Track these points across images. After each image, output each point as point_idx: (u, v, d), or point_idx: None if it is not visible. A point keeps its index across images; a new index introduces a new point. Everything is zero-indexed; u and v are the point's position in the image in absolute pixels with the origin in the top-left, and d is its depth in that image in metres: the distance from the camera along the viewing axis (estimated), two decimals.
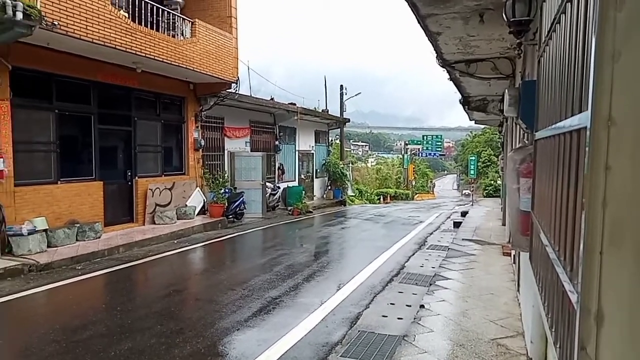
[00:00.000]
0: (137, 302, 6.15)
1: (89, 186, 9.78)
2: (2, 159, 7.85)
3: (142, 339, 4.64)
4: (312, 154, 21.51)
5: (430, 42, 6.49)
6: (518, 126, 5.22)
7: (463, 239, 9.87)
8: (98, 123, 10.03)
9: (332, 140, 25.47)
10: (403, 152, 47.28)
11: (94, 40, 8.21)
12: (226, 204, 13.04)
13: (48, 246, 8.31)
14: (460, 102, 11.76)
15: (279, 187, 16.93)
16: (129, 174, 10.98)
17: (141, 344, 4.51)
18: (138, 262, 8.22)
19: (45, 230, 8.38)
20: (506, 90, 3.82)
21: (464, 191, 51.32)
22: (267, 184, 15.50)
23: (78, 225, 9.12)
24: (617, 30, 1.14)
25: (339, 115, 24.31)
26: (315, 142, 21.87)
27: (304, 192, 18.08)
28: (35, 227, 8.17)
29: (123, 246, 9.00)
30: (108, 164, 10.44)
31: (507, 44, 6.38)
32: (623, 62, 1.14)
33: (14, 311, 5.79)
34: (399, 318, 5.20)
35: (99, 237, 9.37)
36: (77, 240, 8.96)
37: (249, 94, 15.62)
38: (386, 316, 5.29)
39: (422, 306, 5.29)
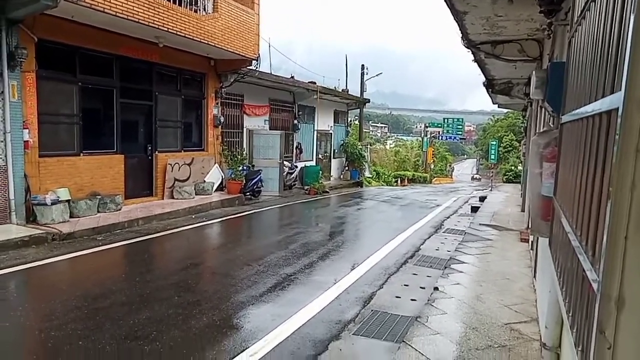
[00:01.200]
0: (155, 274, 6.30)
1: (110, 159, 9.95)
2: (27, 130, 8.02)
3: (160, 309, 4.76)
4: (331, 134, 21.42)
5: (456, 21, 6.32)
6: (543, 110, 5.10)
7: (480, 224, 9.79)
8: (120, 97, 10.14)
9: (351, 120, 25.31)
10: (422, 134, 46.74)
11: (117, 14, 8.23)
12: (244, 181, 13.14)
13: (70, 216, 8.53)
14: (484, 85, 11.50)
15: (296, 166, 16.97)
16: (149, 148, 11.12)
17: (159, 314, 4.63)
18: (157, 235, 8.39)
19: (67, 201, 8.59)
20: (533, 72, 3.71)
21: (474, 175, 50.67)
22: (285, 162, 15.54)
23: (99, 197, 9.32)
24: None
25: (359, 96, 24.06)
26: (334, 122, 21.75)
27: (321, 172, 18.09)
28: (58, 197, 8.38)
29: (142, 219, 9.18)
30: (129, 138, 10.58)
31: (535, 25, 6.18)
32: None
33: (38, 278, 6.00)
34: (412, 299, 5.22)
35: (120, 210, 9.57)
36: (98, 211, 9.17)
37: (269, 72, 15.55)
38: (399, 297, 5.31)
39: (436, 288, 5.30)
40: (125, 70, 10.23)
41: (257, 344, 4.02)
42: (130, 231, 8.50)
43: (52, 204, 8.16)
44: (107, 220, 8.67)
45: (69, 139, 9.23)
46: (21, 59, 7.70)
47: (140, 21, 8.74)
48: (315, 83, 18.31)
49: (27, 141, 8.05)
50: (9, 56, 7.58)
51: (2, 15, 7.41)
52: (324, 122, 20.61)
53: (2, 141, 7.67)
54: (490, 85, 11.34)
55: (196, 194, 11.89)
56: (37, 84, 8.23)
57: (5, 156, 7.72)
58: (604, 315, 1.22)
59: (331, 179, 20.80)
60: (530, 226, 4.07)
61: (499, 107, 18.40)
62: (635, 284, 1.20)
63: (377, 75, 29.20)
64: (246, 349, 3.93)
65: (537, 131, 5.90)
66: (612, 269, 1.23)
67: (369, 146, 27.93)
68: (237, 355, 3.82)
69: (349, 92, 22.82)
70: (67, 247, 7.19)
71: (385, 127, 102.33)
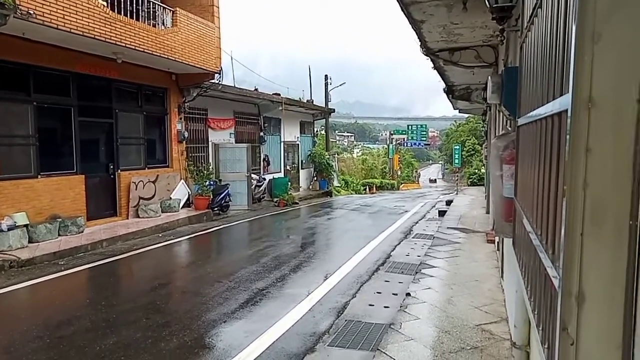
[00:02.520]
0: (122, 297, 6.09)
1: (70, 180, 9.61)
2: None
3: (127, 333, 4.59)
4: (298, 144, 21.44)
5: (414, 30, 6.47)
6: (501, 113, 5.26)
7: (448, 227, 9.97)
8: (78, 115, 9.83)
9: (317, 131, 25.42)
10: (388, 142, 47.49)
11: (72, 30, 8.01)
12: (211, 197, 12.94)
13: (29, 242, 8.16)
14: (445, 91, 11.80)
15: (264, 179, 16.86)
16: (111, 167, 10.81)
17: (127, 338, 4.47)
18: (122, 256, 8.13)
19: (26, 226, 8.22)
20: (489, 77, 3.83)
21: (430, 178, 52.25)
22: (253, 175, 15.41)
23: (60, 219, 8.97)
24: (597, 11, 1.14)
25: (323, 106, 24.24)
26: (301, 132, 21.80)
27: (289, 183, 18.04)
28: (15, 222, 8.01)
29: (106, 240, 8.88)
30: (89, 157, 10.26)
31: (490, 32, 6.40)
32: (603, 43, 1.14)
33: None
34: (385, 306, 5.24)
35: (82, 232, 9.23)
36: (59, 235, 8.82)
37: (233, 85, 15.46)
38: (373, 305, 5.32)
39: (408, 294, 5.33)
40: (83, 88, 9.94)
41: None
42: (94, 254, 8.20)
43: (9, 229, 7.79)
44: (69, 243, 8.34)
45: (25, 160, 8.86)
46: None
47: (96, 37, 8.54)
48: (279, 95, 18.32)
49: None
50: None
51: None
52: (290, 133, 20.61)
53: None
54: (450, 91, 11.64)
55: (162, 212, 11.62)
56: None
57: None
58: (565, 311, 1.25)
59: (300, 189, 20.77)
60: (494, 227, 4.17)
61: (460, 112, 18.88)
62: (593, 279, 1.23)
63: (340, 85, 29.53)
64: None
65: (496, 134, 6.08)
66: (571, 265, 1.26)
67: (336, 155, 28.11)
68: None
69: (313, 103, 22.96)
70: (27, 274, 6.86)
71: (351, 136, 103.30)
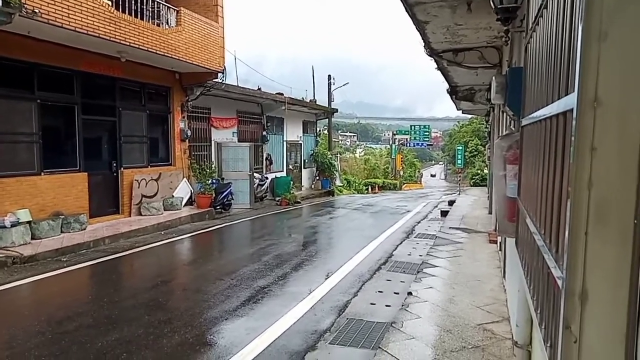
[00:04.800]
0: (124, 294, 6.10)
1: (73, 177, 9.63)
2: None
3: (129, 330, 4.61)
4: (300, 144, 21.45)
5: (418, 31, 6.47)
6: (505, 114, 5.26)
7: (450, 227, 9.97)
8: (82, 113, 9.86)
9: (320, 130, 25.43)
10: (391, 142, 47.45)
11: (77, 29, 8.03)
12: (214, 195, 12.96)
13: (32, 238, 8.19)
14: (448, 92, 11.79)
15: (266, 178, 16.87)
16: (114, 164, 10.83)
17: (129, 335, 4.49)
18: (124, 253, 8.15)
19: (29, 222, 8.26)
20: (493, 78, 3.83)
21: (432, 173, 52.95)
22: (255, 174, 15.43)
23: (63, 216, 9.00)
24: (604, 10, 1.14)
25: (326, 106, 24.24)
26: (303, 132, 21.80)
27: (292, 182, 18.05)
28: (18, 219, 8.04)
29: (109, 238, 8.90)
30: (93, 155, 10.28)
31: (494, 33, 6.40)
32: (609, 42, 1.15)
33: None
34: (387, 305, 5.24)
35: (84, 229, 9.26)
36: (62, 232, 8.84)
37: (236, 84, 15.48)
38: (374, 304, 5.32)
39: (409, 293, 5.34)
40: (86, 86, 9.97)
41: None
42: (96, 251, 8.22)
43: (12, 226, 7.82)
44: (71, 240, 8.37)
45: (29, 158, 8.89)
46: None
47: (101, 36, 8.56)
48: (282, 94, 18.33)
49: None
50: None
51: None
52: (293, 132, 20.62)
53: None
54: (453, 92, 11.63)
55: (165, 210, 11.65)
56: None
57: None
58: (569, 310, 1.25)
59: (302, 189, 20.78)
60: (497, 228, 4.17)
61: (463, 113, 18.86)
62: (597, 278, 1.24)
63: (343, 85, 29.51)
64: None
65: (500, 135, 6.08)
66: (575, 264, 1.26)
67: (338, 155, 28.12)
68: None
69: (316, 103, 22.96)
70: (29, 271, 6.89)
71: (354, 136, 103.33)
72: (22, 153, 8.85)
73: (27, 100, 8.81)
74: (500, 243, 6.85)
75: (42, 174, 9.01)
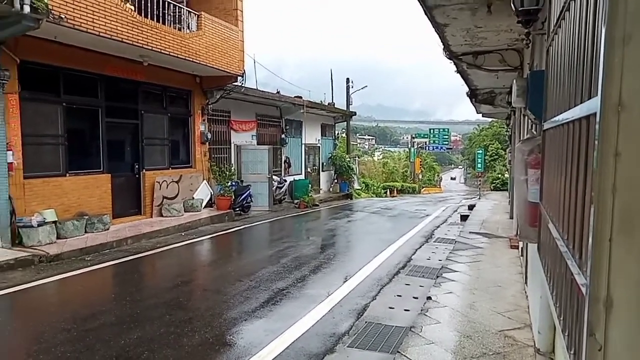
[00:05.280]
0: (145, 293, 6.21)
1: (97, 179, 9.85)
2: (11, 152, 7.92)
3: (151, 328, 4.69)
4: (319, 147, 21.49)
5: (437, 34, 6.44)
6: (526, 117, 5.19)
7: (470, 232, 9.85)
8: (105, 116, 10.09)
9: (338, 133, 25.42)
10: (410, 145, 47.13)
11: (101, 34, 8.23)
12: (233, 197, 13.09)
13: (57, 237, 8.40)
14: (468, 95, 11.69)
15: (285, 181, 16.96)
16: (137, 166, 11.04)
17: (150, 333, 4.56)
18: (146, 253, 8.29)
19: (54, 222, 8.47)
20: (514, 81, 3.79)
21: (450, 175, 52.47)
22: (274, 177, 15.52)
23: (87, 217, 9.21)
24: (627, 13, 1.14)
25: (345, 109, 24.24)
26: (322, 135, 21.85)
27: (310, 185, 18.10)
28: (44, 218, 8.26)
29: (131, 238, 9.07)
30: (116, 157, 10.51)
31: (515, 35, 6.33)
32: (633, 45, 1.14)
33: (25, 301, 5.88)
34: (405, 310, 5.21)
35: (108, 229, 9.45)
36: (85, 232, 9.05)
37: (256, 87, 15.62)
38: (393, 308, 5.30)
39: (429, 298, 5.30)
40: (110, 90, 10.19)
41: None
42: (119, 251, 8.38)
43: (39, 225, 8.03)
44: (95, 240, 8.55)
45: (55, 159, 9.13)
46: (3, 81, 7.64)
47: (124, 40, 8.75)
48: (301, 97, 18.42)
49: (11, 163, 7.94)
50: None
51: None
52: (311, 135, 20.69)
53: None
54: (473, 95, 11.52)
55: (185, 211, 11.81)
56: (20, 105, 8.15)
57: None
58: (593, 317, 1.24)
59: (320, 192, 20.81)
60: (518, 233, 4.11)
61: (483, 116, 18.67)
62: (622, 284, 1.22)
63: (362, 88, 29.44)
64: None
65: (521, 139, 6.00)
66: (599, 271, 1.25)
67: (357, 158, 28.05)
68: None
69: (335, 106, 22.99)
70: (55, 269, 7.07)
71: (372, 139, 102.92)
72: (48, 155, 9.09)
73: (53, 103, 9.06)
74: (522, 248, 6.75)
75: (67, 175, 9.25)
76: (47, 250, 7.67)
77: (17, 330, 4.89)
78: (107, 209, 9.97)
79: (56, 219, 8.57)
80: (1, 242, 7.70)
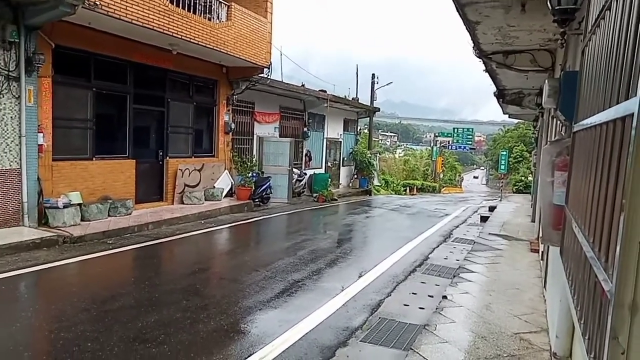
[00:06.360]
0: (164, 278, 6.34)
1: (122, 164, 10.05)
2: (42, 134, 8.13)
3: (168, 313, 4.78)
4: (340, 142, 21.45)
5: (468, 31, 6.34)
6: (555, 120, 5.08)
7: (490, 234, 9.72)
8: (133, 102, 10.26)
9: (360, 129, 25.32)
10: (432, 144, 46.66)
11: (133, 21, 8.36)
12: (253, 188, 13.19)
13: (81, 220, 8.61)
14: (495, 95, 11.49)
15: (305, 174, 16.99)
16: (161, 153, 11.22)
17: (167, 317, 4.65)
18: (166, 239, 8.44)
19: (79, 204, 8.68)
20: (546, 81, 3.71)
21: (473, 174, 51.64)
22: (294, 169, 15.57)
23: (110, 201, 9.41)
24: None
25: (369, 104, 24.12)
26: (344, 130, 21.80)
27: (330, 179, 18.10)
28: (70, 200, 8.47)
29: (152, 223, 9.24)
30: (141, 143, 10.69)
31: (548, 35, 6.18)
32: None
33: (48, 280, 6.06)
34: (420, 308, 5.19)
35: (130, 214, 9.65)
36: (109, 215, 9.25)
37: (281, 80, 15.66)
38: (408, 305, 5.28)
39: (444, 297, 5.26)
40: (139, 77, 10.36)
41: (265, 349, 4.01)
42: (140, 235, 8.55)
43: (64, 207, 8.25)
44: (117, 224, 8.74)
45: (82, 143, 9.35)
46: (38, 65, 7.83)
47: (155, 28, 8.86)
48: (325, 91, 18.39)
49: (41, 145, 8.16)
50: (27, 61, 7.71)
51: (22, 22, 7.56)
52: (333, 130, 20.66)
53: (17, 144, 7.78)
54: (501, 95, 11.32)
55: (205, 200, 11.95)
56: (52, 89, 8.36)
57: (20, 159, 7.83)
58: (617, 321, 1.21)
59: (340, 186, 20.79)
60: (541, 235, 4.04)
61: (509, 117, 18.32)
62: None
63: (387, 84, 29.27)
64: (253, 353, 3.93)
65: (548, 141, 5.88)
66: (626, 275, 1.22)
67: (378, 155, 27.92)
68: (244, 359, 3.82)
69: (359, 101, 22.88)
70: (78, 250, 7.26)
71: (394, 136, 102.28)
72: (77, 138, 9.31)
73: (83, 88, 9.25)
74: (542, 252, 6.63)
75: (94, 159, 9.46)
76: (71, 231, 7.88)
77: (40, 307, 5.05)
78: (131, 194, 10.17)
79: (81, 202, 8.78)
80: (29, 222, 7.93)
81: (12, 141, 7.71)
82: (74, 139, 9.25)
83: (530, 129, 34.58)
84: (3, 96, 7.53)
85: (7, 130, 7.63)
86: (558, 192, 2.90)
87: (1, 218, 7.61)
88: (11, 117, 7.67)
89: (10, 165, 7.73)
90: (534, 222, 10.53)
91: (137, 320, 4.55)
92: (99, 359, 3.72)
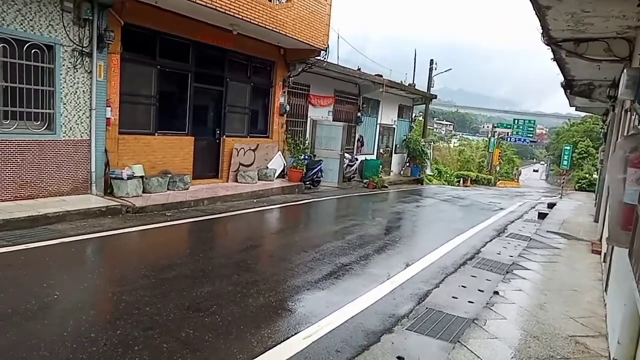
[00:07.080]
0: (217, 252, 6.58)
1: (182, 140, 10.46)
2: (110, 108, 8.60)
3: (220, 285, 4.97)
4: (394, 128, 21.16)
5: (537, 16, 5.99)
6: (629, 113, 4.75)
7: (547, 231, 9.30)
8: (194, 81, 10.60)
9: (415, 116, 24.83)
10: (490, 135, 44.96)
11: (197, 1, 8.58)
12: (304, 170, 13.33)
13: (143, 191, 9.08)
14: (562, 86, 10.85)
15: (356, 159, 16.94)
16: (218, 132, 11.55)
17: (219, 289, 4.85)
18: (220, 215, 8.74)
19: (141, 177, 9.14)
20: (624, 71, 3.46)
21: (533, 168, 49.22)
22: (346, 154, 15.57)
23: (170, 175, 9.84)
24: None
25: (425, 91, 23.55)
26: (398, 116, 21.46)
27: (381, 166, 17.95)
28: (133, 172, 8.94)
29: (207, 199, 9.59)
30: (199, 121, 11.06)
31: (627, 22, 5.73)
32: None
33: (112, 246, 6.46)
34: (469, 301, 5.08)
35: (187, 189, 10.05)
36: (168, 189, 9.69)
37: (337, 63, 15.58)
38: (456, 298, 5.19)
39: (496, 292, 5.12)
40: (200, 56, 10.66)
41: (311, 328, 4.09)
42: (195, 210, 8.91)
43: (128, 178, 8.72)
44: (175, 197, 9.14)
45: (146, 118, 9.80)
46: (109, 41, 8.25)
47: (217, 8, 9.05)
48: (381, 76, 18.12)
49: (109, 118, 8.64)
50: (99, 38, 8.14)
51: (95, 0, 7.97)
52: (387, 116, 20.39)
53: (88, 117, 8.28)
54: (569, 86, 10.68)
55: (259, 179, 12.23)
56: (120, 65, 8.79)
57: (90, 131, 8.34)
58: None
59: (391, 174, 20.59)
60: (607, 236, 3.82)
61: (576, 110, 17.27)
62: None
63: (446, 70, 28.46)
64: (300, 331, 4.02)
65: (619, 136, 5.51)
66: None
67: (432, 143, 27.30)
68: (291, 336, 3.92)
69: (415, 87, 22.39)
70: (139, 220, 7.67)
71: (450, 125, 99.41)
72: (141, 114, 9.77)
73: (149, 65, 9.66)
74: (604, 254, 6.28)
75: (156, 134, 9.90)
76: (134, 202, 8.33)
77: (105, 270, 5.41)
78: (188, 169, 10.58)
79: (143, 174, 9.25)
80: (96, 190, 8.47)
81: (83, 114, 8.22)
82: (138, 114, 9.71)
83: (598, 123, 32.51)
84: (77, 71, 8.01)
85: (80, 103, 8.13)
86: (630, 190, 2.73)
87: (72, 185, 8.17)
88: (83, 91, 8.15)
89: (82, 137, 8.25)
90: (597, 222, 9.96)
91: (191, 289, 4.77)
92: (156, 323, 3.95)
